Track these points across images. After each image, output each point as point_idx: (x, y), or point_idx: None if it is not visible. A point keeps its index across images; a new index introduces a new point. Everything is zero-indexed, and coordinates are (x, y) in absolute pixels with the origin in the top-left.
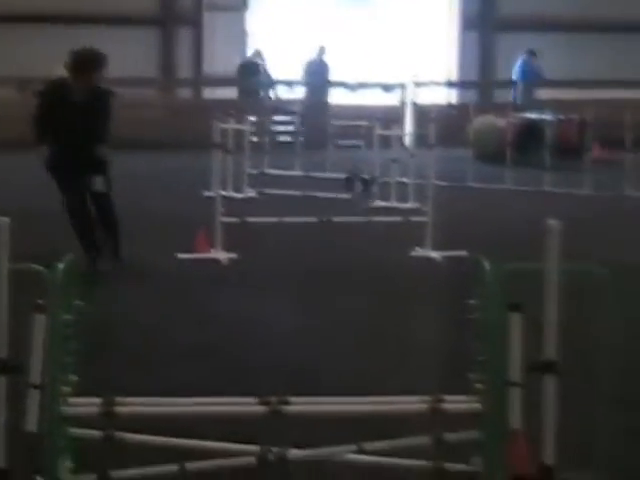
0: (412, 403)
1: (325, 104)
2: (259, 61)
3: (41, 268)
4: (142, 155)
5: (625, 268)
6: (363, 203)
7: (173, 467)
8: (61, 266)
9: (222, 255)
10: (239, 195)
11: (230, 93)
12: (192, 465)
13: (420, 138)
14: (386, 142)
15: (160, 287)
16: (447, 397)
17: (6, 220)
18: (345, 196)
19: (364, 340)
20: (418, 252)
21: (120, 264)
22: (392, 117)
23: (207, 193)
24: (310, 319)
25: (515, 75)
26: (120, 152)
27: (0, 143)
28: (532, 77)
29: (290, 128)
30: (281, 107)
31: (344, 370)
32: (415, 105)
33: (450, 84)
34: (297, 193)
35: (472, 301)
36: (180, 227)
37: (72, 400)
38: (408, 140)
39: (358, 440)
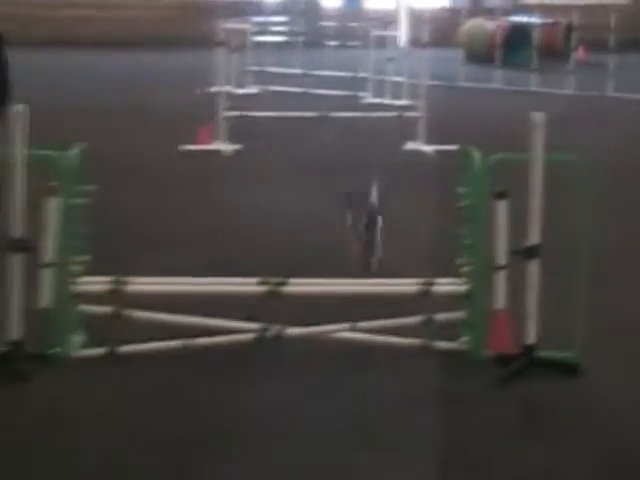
0: (404, 285)
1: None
2: None
3: (55, 154)
4: (149, 53)
5: (602, 160)
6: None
7: (177, 343)
8: (73, 152)
9: (224, 147)
10: (241, 91)
11: None
12: (195, 341)
13: (414, 39)
14: (382, 43)
15: (164, 176)
16: (437, 280)
17: (24, 107)
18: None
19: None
20: (411, 146)
21: None
22: (388, 19)
23: (211, 89)
24: (309, 206)
25: None
26: (127, 50)
27: None
28: None
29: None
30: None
31: (342, 254)
32: (410, 8)
33: None
34: (297, 89)
35: (461, 190)
36: (184, 121)
37: (83, 279)
38: (403, 41)
39: (353, 320)
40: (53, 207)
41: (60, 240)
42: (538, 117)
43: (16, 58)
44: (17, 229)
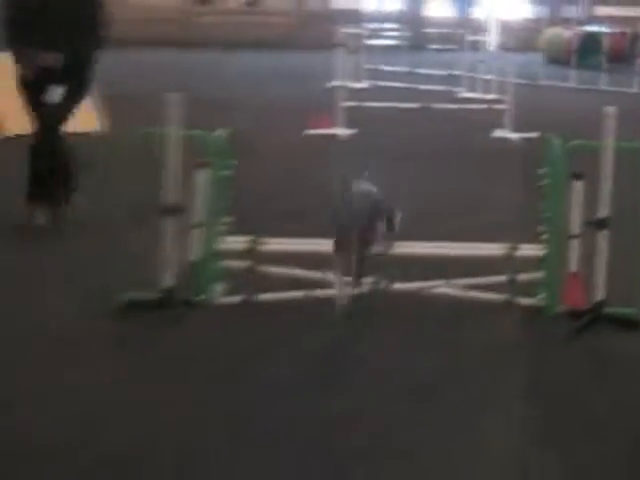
0: (492, 249)
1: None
2: None
3: (205, 134)
4: (279, 53)
5: None
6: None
7: (299, 293)
8: (220, 133)
9: (341, 132)
10: (356, 85)
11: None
12: (314, 292)
13: (502, 44)
14: (475, 46)
15: (291, 155)
16: (520, 245)
17: (179, 96)
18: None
19: (457, 201)
20: (498, 133)
21: (65, 215)
22: (480, 27)
23: (330, 84)
24: (410, 186)
25: None
26: (257, 51)
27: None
28: None
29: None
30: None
31: (439, 223)
32: (499, 18)
33: (526, 1)
34: (403, 85)
35: (542, 171)
36: (309, 110)
37: (225, 238)
38: (492, 45)
39: (447, 278)
40: (202, 178)
41: (208, 205)
42: (610, 110)
43: (170, 58)
44: (171, 196)
